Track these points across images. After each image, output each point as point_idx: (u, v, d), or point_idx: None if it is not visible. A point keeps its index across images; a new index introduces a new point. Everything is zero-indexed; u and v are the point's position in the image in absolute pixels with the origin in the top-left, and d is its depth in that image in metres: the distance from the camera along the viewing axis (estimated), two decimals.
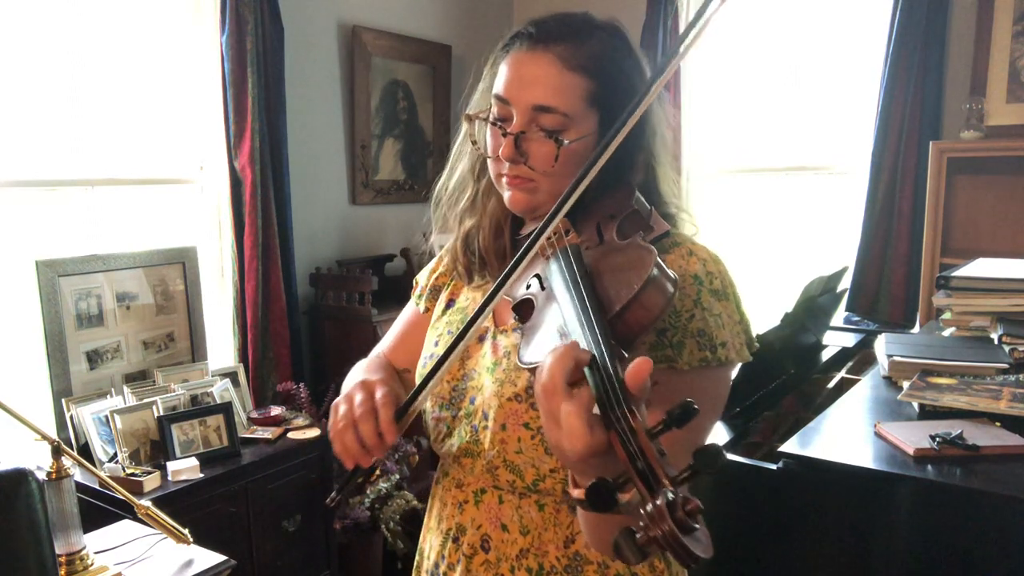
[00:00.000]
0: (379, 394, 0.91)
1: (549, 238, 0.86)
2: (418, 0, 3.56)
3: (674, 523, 0.51)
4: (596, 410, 0.62)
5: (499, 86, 0.95)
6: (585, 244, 0.86)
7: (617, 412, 0.59)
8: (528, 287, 0.85)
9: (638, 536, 0.53)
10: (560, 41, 0.92)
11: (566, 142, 0.91)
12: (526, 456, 0.94)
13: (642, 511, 0.53)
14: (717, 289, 0.93)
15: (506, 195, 0.97)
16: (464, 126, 1.04)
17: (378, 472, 2.63)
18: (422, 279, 1.20)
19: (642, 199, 0.91)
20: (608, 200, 0.91)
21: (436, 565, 1.06)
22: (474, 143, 1.02)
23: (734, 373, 0.96)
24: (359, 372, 1.09)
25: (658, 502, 0.52)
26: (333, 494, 0.99)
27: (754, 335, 0.97)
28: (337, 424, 0.91)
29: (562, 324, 0.72)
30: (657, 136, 0.99)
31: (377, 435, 0.88)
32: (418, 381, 0.93)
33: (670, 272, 0.74)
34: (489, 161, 0.99)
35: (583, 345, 0.66)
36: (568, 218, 0.89)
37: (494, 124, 0.96)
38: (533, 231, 0.82)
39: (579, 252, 0.82)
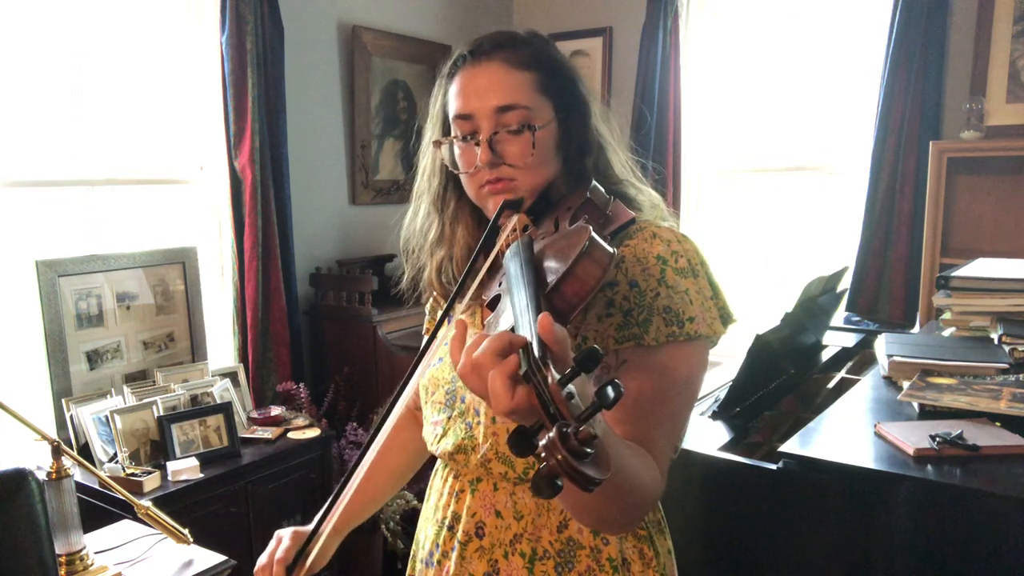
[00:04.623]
0: (280, 549, 1.11)
1: (508, 237, 0.93)
2: (418, 0, 3.56)
3: (567, 451, 0.56)
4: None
5: (456, 107, 1.01)
6: (541, 236, 0.91)
7: (532, 365, 0.63)
8: (500, 284, 0.90)
9: (541, 468, 0.57)
10: (499, 50, 1.00)
11: (539, 127, 0.97)
12: None
13: (541, 444, 0.58)
14: (683, 267, 0.95)
15: (489, 204, 1.01)
16: (422, 164, 1.10)
17: None
18: (427, 306, 1.26)
19: (600, 189, 0.94)
20: (569, 196, 0.97)
21: (431, 553, 1.09)
22: (453, 167, 1.05)
23: (711, 349, 0.97)
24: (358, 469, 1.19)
25: (551, 434, 0.57)
26: None
27: (731, 309, 0.98)
28: (256, 568, 1.13)
29: (511, 309, 0.76)
30: (601, 122, 1.04)
31: None
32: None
33: (607, 247, 0.77)
34: (467, 180, 1.03)
35: (522, 326, 0.69)
36: (531, 216, 0.96)
37: (464, 141, 1.00)
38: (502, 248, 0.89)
39: (530, 242, 0.87)
